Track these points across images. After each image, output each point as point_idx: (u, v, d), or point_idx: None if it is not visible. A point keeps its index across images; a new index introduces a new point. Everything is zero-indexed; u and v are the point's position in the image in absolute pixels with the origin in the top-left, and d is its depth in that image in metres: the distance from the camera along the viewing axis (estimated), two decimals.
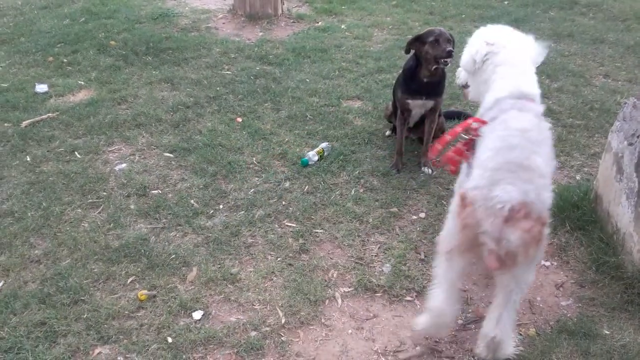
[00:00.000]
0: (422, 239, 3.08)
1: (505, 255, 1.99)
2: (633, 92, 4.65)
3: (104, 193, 3.38)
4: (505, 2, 7.08)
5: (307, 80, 4.86)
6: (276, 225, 3.15)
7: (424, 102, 3.54)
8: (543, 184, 2.03)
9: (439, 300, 2.31)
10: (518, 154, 2.05)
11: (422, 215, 3.26)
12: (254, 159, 3.74)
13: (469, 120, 2.37)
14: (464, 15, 6.57)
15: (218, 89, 4.68)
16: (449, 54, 3.28)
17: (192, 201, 3.32)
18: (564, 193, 3.31)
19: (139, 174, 3.57)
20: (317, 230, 3.11)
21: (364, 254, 2.97)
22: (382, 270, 2.86)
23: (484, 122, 2.31)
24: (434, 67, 3.39)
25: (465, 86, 2.91)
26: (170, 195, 3.38)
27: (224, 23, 6.27)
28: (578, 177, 3.63)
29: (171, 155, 3.78)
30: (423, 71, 3.47)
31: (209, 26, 6.13)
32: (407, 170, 3.66)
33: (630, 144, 2.77)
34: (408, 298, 2.71)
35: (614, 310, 2.60)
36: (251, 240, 3.04)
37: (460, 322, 2.59)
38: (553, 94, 4.63)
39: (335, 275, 2.82)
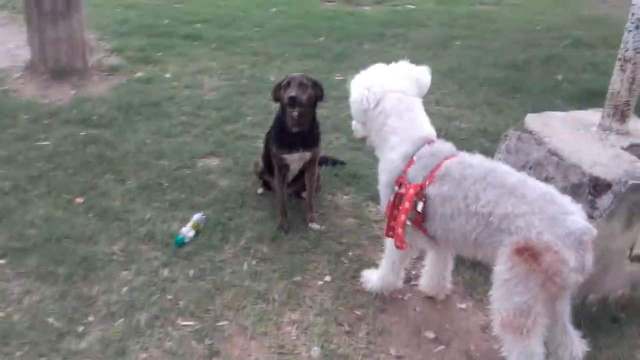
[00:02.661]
0: (338, 307, 2.78)
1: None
2: (467, 117, 4.96)
3: None
4: (321, 39, 7.21)
5: (148, 140, 4.29)
6: (170, 328, 2.60)
7: (301, 154, 3.28)
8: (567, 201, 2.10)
9: None
10: (535, 186, 2.12)
11: (328, 278, 2.98)
12: (115, 247, 3.11)
13: (410, 191, 2.33)
14: (287, 55, 6.51)
15: (39, 164, 3.88)
16: (291, 101, 3.03)
17: (50, 319, 2.59)
18: None
19: None
20: (221, 323, 2.64)
21: (284, 340, 2.57)
22: (311, 355, 2.50)
23: (423, 186, 2.34)
24: (294, 113, 3.14)
25: (365, 137, 2.77)
26: (17, 316, 2.61)
27: (22, 83, 5.33)
28: None
29: (2, 261, 2.97)
30: (289, 120, 3.21)
31: (6, 89, 5.16)
32: (294, 229, 3.34)
33: None
34: None
35: None
36: (144, 356, 2.45)
37: None
38: None
39: None
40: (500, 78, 5.91)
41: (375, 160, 4.14)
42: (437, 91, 5.54)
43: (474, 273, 3.03)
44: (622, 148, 2.58)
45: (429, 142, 2.50)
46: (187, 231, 3.17)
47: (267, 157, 3.49)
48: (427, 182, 2.35)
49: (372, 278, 2.88)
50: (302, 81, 3.13)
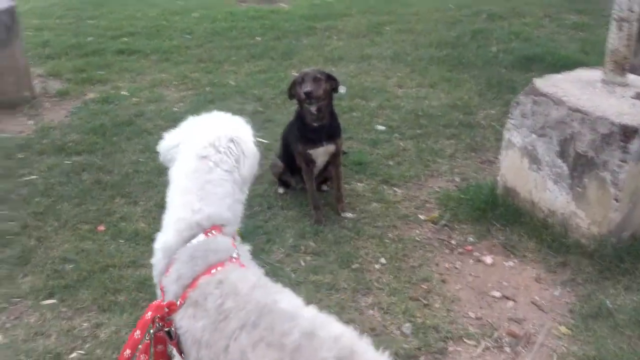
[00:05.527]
0: (405, 284, 2.95)
1: None
2: (432, 95, 5.26)
3: None
4: (258, 39, 7.23)
5: (141, 160, 4.16)
6: None
7: (325, 148, 3.39)
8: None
9: None
10: (323, 341, 1.43)
11: (383, 260, 3.13)
12: None
13: (148, 314, 1.57)
14: (234, 58, 6.49)
15: (38, 200, 3.66)
16: (307, 96, 3.17)
17: None
18: (471, 195, 3.57)
19: None
20: None
21: (372, 323, 2.70)
22: (403, 331, 2.65)
23: (176, 306, 1.61)
24: (313, 108, 3.26)
25: None
26: (99, 351, 2.51)
27: None
28: (457, 179, 3.94)
29: (52, 301, 2.82)
30: (308, 116, 3.32)
31: None
32: (330, 221, 3.45)
33: (543, 135, 3.12)
34: (450, 348, 2.57)
35: (600, 281, 2.90)
36: None
37: None
38: (379, 112, 4.93)
39: None
40: (443, 56, 6.30)
41: (370, 145, 4.37)
42: (394, 75, 5.82)
43: (507, 233, 3.31)
44: (632, 97, 2.95)
45: (206, 231, 1.75)
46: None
47: (287, 156, 3.55)
48: (179, 303, 1.61)
49: None
50: (316, 75, 3.24)
